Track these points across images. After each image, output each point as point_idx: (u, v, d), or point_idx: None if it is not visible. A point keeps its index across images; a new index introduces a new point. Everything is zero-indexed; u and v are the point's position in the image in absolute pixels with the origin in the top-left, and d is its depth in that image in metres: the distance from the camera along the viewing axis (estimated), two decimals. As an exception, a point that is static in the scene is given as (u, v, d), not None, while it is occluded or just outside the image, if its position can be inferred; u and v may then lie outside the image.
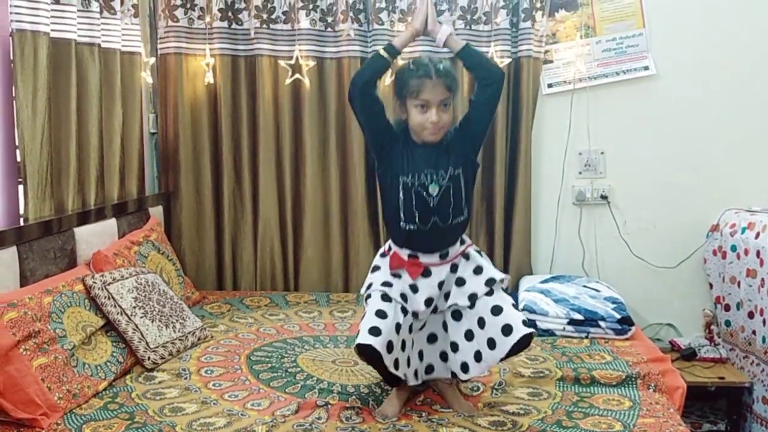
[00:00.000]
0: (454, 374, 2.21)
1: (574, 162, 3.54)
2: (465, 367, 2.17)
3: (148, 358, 2.42)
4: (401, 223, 2.16)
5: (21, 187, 2.55)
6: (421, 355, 2.22)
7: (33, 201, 2.54)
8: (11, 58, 2.48)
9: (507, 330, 2.07)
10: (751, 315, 3.08)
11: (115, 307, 2.43)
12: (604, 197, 3.53)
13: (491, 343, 2.09)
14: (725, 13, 3.42)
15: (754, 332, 3.07)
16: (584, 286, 3.17)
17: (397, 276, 2.17)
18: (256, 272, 3.56)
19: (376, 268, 2.22)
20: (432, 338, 2.23)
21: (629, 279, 3.49)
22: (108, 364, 2.31)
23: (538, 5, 3.39)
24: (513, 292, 3.36)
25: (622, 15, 3.47)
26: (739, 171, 3.47)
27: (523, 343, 2.07)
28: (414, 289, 2.16)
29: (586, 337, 2.82)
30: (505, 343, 2.06)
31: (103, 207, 2.93)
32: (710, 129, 3.47)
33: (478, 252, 2.26)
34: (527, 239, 3.53)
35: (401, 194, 2.15)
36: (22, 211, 2.55)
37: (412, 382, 2.18)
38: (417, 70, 2.12)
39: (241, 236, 3.56)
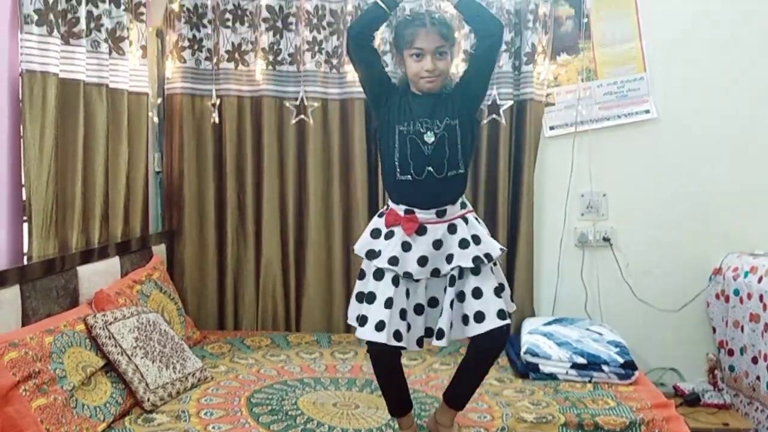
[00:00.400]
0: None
1: (576, 204, 3.55)
2: (440, 334, 2.14)
3: (148, 399, 2.40)
4: (397, 175, 2.19)
5: (26, 226, 2.55)
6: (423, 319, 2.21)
7: (37, 239, 2.55)
8: (20, 97, 2.52)
9: (479, 317, 2.10)
10: (755, 360, 3.06)
11: (115, 347, 2.42)
12: (606, 239, 3.54)
13: (464, 320, 2.14)
14: (726, 59, 3.46)
15: (758, 378, 3.04)
16: (587, 329, 3.15)
17: (391, 236, 2.18)
18: (258, 312, 3.55)
19: (375, 231, 2.24)
20: (433, 302, 2.22)
21: (632, 322, 3.47)
22: (107, 405, 2.30)
23: (540, 49, 3.44)
24: (515, 334, 3.35)
25: (623, 59, 3.51)
26: (742, 214, 3.48)
27: (495, 335, 2.10)
28: (407, 247, 2.15)
29: (590, 382, 2.80)
30: (473, 329, 2.11)
31: (106, 245, 2.93)
32: (712, 172, 3.49)
33: (477, 220, 2.26)
34: (530, 281, 3.52)
35: (397, 143, 2.18)
36: (26, 250, 2.56)
37: (413, 348, 2.19)
38: (412, 20, 2.21)
39: (243, 275, 3.56)
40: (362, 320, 2.15)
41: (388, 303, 2.11)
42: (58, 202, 2.65)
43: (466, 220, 2.21)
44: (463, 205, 2.24)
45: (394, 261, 2.13)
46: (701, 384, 3.33)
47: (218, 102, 3.51)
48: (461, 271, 2.15)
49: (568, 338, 3.00)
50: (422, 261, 2.14)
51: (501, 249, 2.20)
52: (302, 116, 3.49)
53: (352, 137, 3.48)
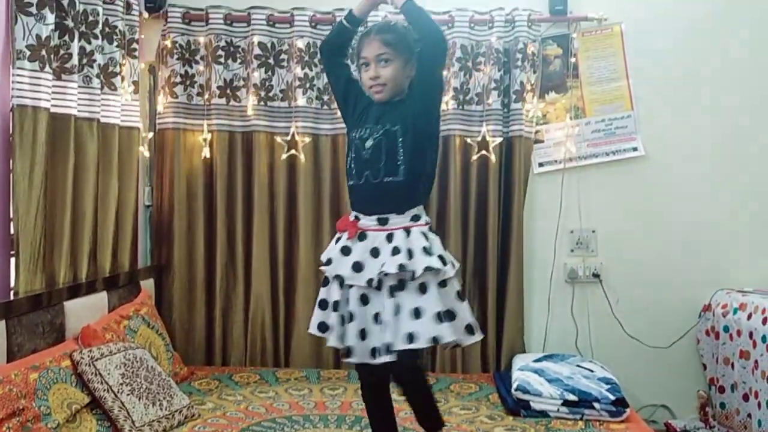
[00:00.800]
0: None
1: (565, 240, 3.57)
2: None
3: (134, 437, 2.36)
4: (348, 180, 2.28)
5: (13, 260, 2.53)
6: (363, 334, 2.17)
7: (24, 274, 2.52)
8: (11, 132, 2.51)
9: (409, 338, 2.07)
10: (746, 397, 3.05)
11: (101, 383, 2.39)
12: (596, 275, 3.54)
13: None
14: (713, 98, 3.53)
15: (749, 415, 3.03)
16: (578, 366, 3.14)
17: (338, 240, 2.25)
18: (246, 347, 3.51)
19: (336, 239, 2.30)
20: (377, 318, 2.18)
21: (623, 358, 3.46)
22: (92, 443, 2.26)
23: (529, 87, 3.48)
24: (506, 370, 3.34)
25: (610, 98, 3.56)
26: (731, 251, 3.50)
27: (400, 361, 2.08)
28: (346, 251, 2.19)
29: (581, 419, 2.77)
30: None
31: (94, 280, 2.91)
32: (701, 209, 3.52)
33: (426, 235, 2.17)
34: (520, 317, 3.51)
35: (348, 150, 2.28)
36: (13, 284, 2.53)
37: (364, 358, 2.17)
38: (363, 33, 2.31)
39: (232, 310, 3.54)
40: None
41: (322, 304, 2.25)
42: (47, 236, 2.64)
43: (408, 232, 2.16)
44: (415, 218, 2.19)
45: (328, 262, 2.21)
46: (693, 421, 3.31)
47: (209, 137, 3.52)
48: (401, 283, 2.12)
49: (559, 375, 2.98)
50: (357, 266, 2.15)
51: (428, 267, 2.08)
52: (293, 151, 3.51)
53: (343, 172, 3.50)
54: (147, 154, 3.53)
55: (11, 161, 2.52)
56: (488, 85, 3.47)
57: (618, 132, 3.56)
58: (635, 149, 3.55)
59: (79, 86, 2.84)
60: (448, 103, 3.49)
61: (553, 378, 2.95)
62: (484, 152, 3.47)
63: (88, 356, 2.43)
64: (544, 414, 2.81)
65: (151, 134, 3.55)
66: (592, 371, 3.06)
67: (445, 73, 3.47)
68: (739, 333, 3.11)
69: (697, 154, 3.53)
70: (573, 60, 3.55)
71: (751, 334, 3.01)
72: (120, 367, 2.50)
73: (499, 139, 3.47)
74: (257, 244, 3.51)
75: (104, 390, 2.38)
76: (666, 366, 3.50)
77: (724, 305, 3.27)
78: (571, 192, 3.55)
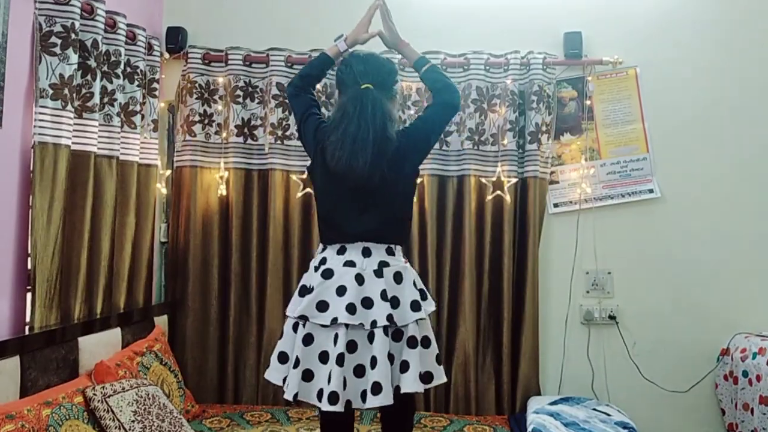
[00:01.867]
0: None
1: (581, 281, 3.54)
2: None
3: (144, 476, 2.34)
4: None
5: (29, 295, 2.55)
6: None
7: (40, 309, 2.54)
8: (31, 168, 2.55)
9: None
10: (767, 445, 2.99)
11: (113, 420, 2.38)
12: (612, 317, 3.51)
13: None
14: (729, 140, 3.52)
15: (771, 463, 2.96)
16: (594, 409, 3.09)
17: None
18: (258, 386, 3.49)
19: None
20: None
21: (640, 402, 3.41)
22: (102, 481, 2.24)
23: (544, 129, 3.50)
24: (521, 413, 3.29)
25: (626, 140, 3.57)
26: (749, 294, 3.46)
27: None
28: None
29: (597, 465, 2.72)
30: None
31: (108, 316, 2.92)
32: (718, 252, 3.49)
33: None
34: (535, 358, 3.48)
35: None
36: (28, 319, 2.54)
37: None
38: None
39: (245, 348, 3.53)
40: None
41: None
42: (63, 272, 2.66)
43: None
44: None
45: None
46: (712, 469, 3.24)
47: (226, 174, 3.55)
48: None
49: (575, 418, 2.94)
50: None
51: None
52: (308, 189, 3.53)
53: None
54: (164, 191, 3.56)
55: (31, 197, 2.55)
56: (503, 126, 3.49)
57: (633, 174, 3.56)
58: (651, 191, 3.54)
59: (100, 124, 2.89)
60: (463, 143, 3.51)
61: (569, 422, 2.90)
62: (499, 192, 3.48)
63: (101, 393, 2.43)
64: (559, 459, 2.76)
65: (168, 171, 3.59)
66: (609, 415, 3.02)
67: (460, 113, 3.50)
68: (758, 378, 3.05)
69: (714, 196, 3.51)
70: (588, 102, 3.57)
71: (771, 380, 2.95)
72: (132, 404, 2.49)
73: (514, 180, 3.48)
74: (271, 282, 3.51)
75: (116, 427, 2.37)
76: (684, 411, 3.43)
77: (743, 349, 3.22)
78: (586, 233, 3.54)
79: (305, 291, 2.16)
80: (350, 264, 2.10)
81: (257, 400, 3.48)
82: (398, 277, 2.10)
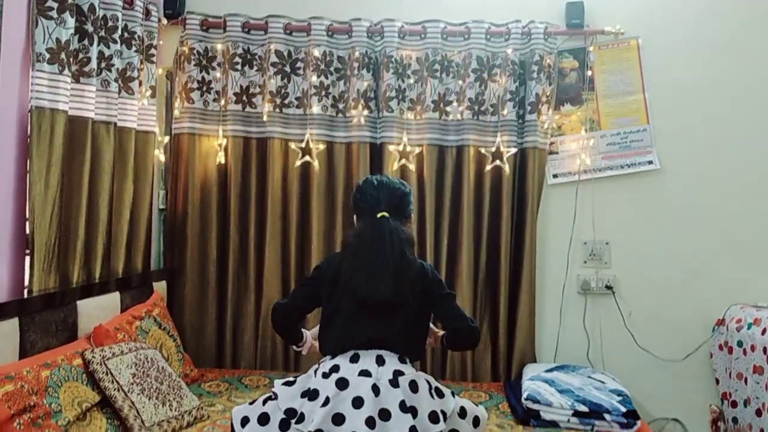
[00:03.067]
0: None
1: (579, 251, 3.55)
2: None
3: (143, 437, 2.37)
4: None
5: (27, 259, 2.56)
6: None
7: (38, 273, 2.55)
8: (28, 133, 2.55)
9: None
10: (758, 413, 3.02)
11: (112, 382, 2.40)
12: (609, 287, 3.52)
13: None
14: (730, 112, 3.50)
15: (762, 430, 2.99)
16: (589, 377, 3.12)
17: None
18: (257, 351, 3.52)
19: None
20: None
21: (634, 371, 3.44)
22: (101, 441, 2.27)
23: (544, 99, 3.48)
24: (517, 380, 3.32)
25: (626, 111, 3.56)
26: (745, 266, 3.47)
27: None
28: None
29: (591, 430, 2.75)
30: None
31: (107, 281, 2.94)
32: (716, 223, 3.49)
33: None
34: (531, 326, 3.50)
35: None
36: (27, 283, 2.56)
37: None
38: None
39: (243, 315, 3.55)
40: None
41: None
42: (61, 236, 2.66)
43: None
44: None
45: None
46: (705, 436, 3.28)
47: (224, 142, 3.55)
48: None
49: (570, 385, 2.96)
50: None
51: None
52: (307, 158, 3.52)
53: (357, 180, 3.50)
54: (162, 158, 3.56)
55: (28, 162, 2.55)
56: (503, 96, 3.47)
57: (633, 145, 3.55)
58: (650, 162, 3.53)
59: (97, 90, 2.88)
60: (462, 113, 3.50)
61: (563, 388, 2.93)
62: (498, 162, 3.47)
63: (100, 355, 2.45)
64: (554, 424, 2.79)
65: (167, 139, 3.58)
66: (603, 383, 3.04)
67: (460, 83, 3.48)
68: (753, 348, 3.07)
69: (713, 168, 3.51)
70: (589, 73, 3.54)
71: (765, 350, 2.97)
72: (131, 367, 2.51)
73: (513, 150, 3.48)
74: (269, 249, 3.52)
75: (115, 389, 2.40)
76: (678, 380, 3.46)
77: (738, 320, 3.24)
78: (585, 204, 3.54)
79: (312, 396, 2.02)
80: (365, 374, 2.02)
81: (255, 365, 3.51)
82: (414, 386, 2.04)
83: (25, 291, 2.55)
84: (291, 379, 2.13)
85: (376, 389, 1.98)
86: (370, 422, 1.93)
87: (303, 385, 2.06)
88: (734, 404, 3.23)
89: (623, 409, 2.78)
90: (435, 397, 2.06)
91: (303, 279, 2.31)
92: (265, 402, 2.09)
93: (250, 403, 2.13)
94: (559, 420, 2.79)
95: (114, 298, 2.94)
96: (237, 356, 3.54)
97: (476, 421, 2.17)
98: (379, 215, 2.13)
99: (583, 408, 2.79)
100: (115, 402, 2.38)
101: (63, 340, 2.55)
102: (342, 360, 2.06)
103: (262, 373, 3.38)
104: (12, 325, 2.28)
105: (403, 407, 1.96)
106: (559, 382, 3.00)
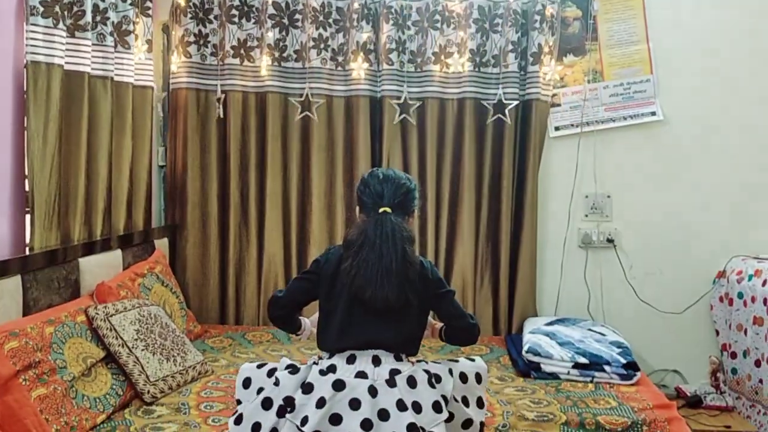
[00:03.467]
0: None
1: (580, 205, 3.54)
2: None
3: (148, 391, 2.40)
4: None
5: (28, 217, 2.55)
6: None
7: (39, 230, 2.54)
8: (25, 89, 2.51)
9: None
10: (758, 363, 3.05)
11: (116, 338, 2.42)
12: (610, 240, 3.52)
13: None
14: (733, 63, 3.46)
15: (761, 381, 3.02)
16: (589, 330, 3.14)
17: None
18: (259, 307, 3.54)
19: None
20: None
21: (635, 323, 3.46)
22: (107, 396, 2.29)
23: (546, 50, 3.43)
24: (517, 334, 3.35)
25: (629, 61, 3.50)
26: (747, 218, 3.47)
27: None
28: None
29: (591, 382, 2.78)
30: None
31: (108, 238, 2.93)
32: (718, 176, 3.48)
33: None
34: (532, 281, 3.51)
35: None
36: (28, 240, 2.55)
37: None
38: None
39: (245, 271, 3.56)
40: None
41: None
42: (61, 193, 2.65)
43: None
44: None
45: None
46: (703, 386, 3.31)
47: (223, 97, 3.50)
48: None
49: (570, 338, 2.98)
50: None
51: None
52: (307, 113, 3.49)
53: (357, 134, 3.48)
54: (161, 113, 3.52)
55: (25, 118, 2.52)
56: (505, 48, 3.42)
57: (636, 96, 3.51)
58: (653, 114, 3.50)
59: (93, 44, 2.83)
60: (464, 65, 3.45)
61: (564, 341, 2.95)
62: (499, 115, 3.44)
63: (103, 312, 2.46)
64: (554, 376, 2.82)
65: (164, 94, 3.54)
66: (603, 335, 3.07)
67: (461, 34, 3.43)
68: (753, 299, 3.09)
69: (716, 120, 3.48)
70: (592, 22, 3.48)
71: (765, 301, 2.99)
72: (134, 323, 2.53)
73: (515, 102, 3.44)
74: (270, 205, 3.51)
75: (119, 345, 2.41)
76: (678, 332, 3.49)
77: (739, 271, 3.25)
78: (587, 156, 3.52)
79: (306, 389, 2.02)
80: (362, 375, 2.03)
81: (258, 322, 3.53)
82: (412, 382, 2.04)
83: (27, 248, 2.54)
84: (296, 365, 2.12)
85: (373, 390, 2.00)
86: (366, 424, 1.95)
87: (303, 376, 2.08)
88: (733, 355, 3.26)
89: (623, 361, 2.80)
90: (435, 385, 2.07)
91: (301, 273, 2.28)
92: (270, 374, 2.11)
93: (258, 366, 2.15)
94: (559, 372, 2.82)
95: (116, 255, 2.94)
96: (240, 312, 3.56)
97: (479, 378, 2.20)
98: (381, 210, 2.11)
99: (584, 360, 2.81)
100: (120, 358, 2.40)
101: (66, 297, 2.56)
102: (339, 360, 2.08)
103: (265, 329, 3.40)
104: (15, 282, 2.28)
105: (401, 406, 1.98)
106: (559, 335, 3.02)
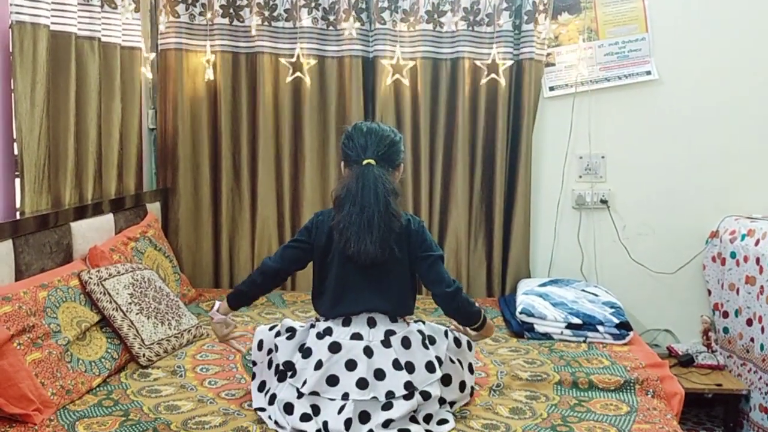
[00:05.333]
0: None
1: (574, 166, 3.53)
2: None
3: (143, 354, 2.40)
4: None
5: (18, 181, 2.52)
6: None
7: (30, 194, 2.52)
8: (10, 49, 2.46)
9: None
10: (749, 322, 3.07)
11: (110, 302, 2.41)
12: (603, 201, 3.52)
13: None
14: (729, 21, 3.42)
15: (752, 339, 3.06)
16: (583, 291, 3.16)
17: None
18: (253, 270, 3.52)
19: None
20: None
21: (628, 284, 3.48)
22: (102, 360, 2.29)
23: (541, 8, 3.38)
24: (511, 295, 3.36)
25: (625, 19, 3.46)
26: (740, 178, 3.46)
27: None
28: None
29: (584, 342, 2.80)
30: None
31: (100, 202, 2.91)
32: (712, 135, 3.46)
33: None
34: (526, 242, 3.51)
35: None
36: (18, 205, 2.53)
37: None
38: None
39: (238, 234, 3.55)
40: None
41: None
42: (51, 157, 2.61)
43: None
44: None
45: None
46: (695, 345, 3.35)
47: (213, 58, 3.45)
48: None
49: (563, 299, 3.00)
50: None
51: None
52: (298, 74, 3.44)
53: (349, 95, 3.44)
54: (150, 75, 3.47)
55: (12, 80, 2.47)
56: (499, 6, 3.37)
57: (631, 55, 3.47)
58: (648, 73, 3.46)
59: (79, 3, 2.76)
60: (457, 24, 3.40)
61: (557, 302, 2.97)
62: (493, 75, 3.40)
63: (97, 276, 2.45)
64: (547, 336, 2.84)
65: (153, 55, 3.48)
66: (596, 295, 3.08)
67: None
68: (746, 259, 3.10)
69: (711, 79, 3.45)
70: (587, -21, 3.43)
71: (758, 260, 3.00)
72: (128, 287, 2.52)
73: (509, 62, 3.40)
74: (262, 168, 3.48)
75: (113, 309, 2.41)
76: (671, 291, 3.51)
77: (732, 231, 3.26)
78: (581, 117, 3.49)
79: (305, 353, 2.04)
80: (357, 337, 2.04)
81: (252, 285, 3.53)
82: (407, 343, 2.06)
83: (17, 213, 2.52)
84: (295, 326, 2.14)
85: (368, 351, 2.01)
86: (361, 383, 1.97)
87: (300, 339, 2.09)
88: (725, 314, 3.29)
89: (616, 321, 2.82)
90: (429, 346, 2.09)
91: (291, 241, 2.25)
92: (277, 335, 2.15)
93: (269, 329, 2.20)
94: (552, 332, 2.84)
95: (108, 219, 2.92)
96: (234, 276, 3.56)
97: (470, 345, 2.23)
98: (364, 162, 2.07)
99: (577, 320, 2.83)
100: (114, 322, 2.39)
101: (59, 261, 2.54)
102: (334, 323, 2.09)
103: (259, 290, 3.39)
104: (6, 246, 2.26)
105: (397, 365, 2.00)
106: (552, 296, 3.03)
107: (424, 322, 2.18)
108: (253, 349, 2.20)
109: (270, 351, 2.14)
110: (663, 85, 3.46)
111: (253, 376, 2.19)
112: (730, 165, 3.47)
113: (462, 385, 2.16)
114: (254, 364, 2.20)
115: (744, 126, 3.45)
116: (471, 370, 2.22)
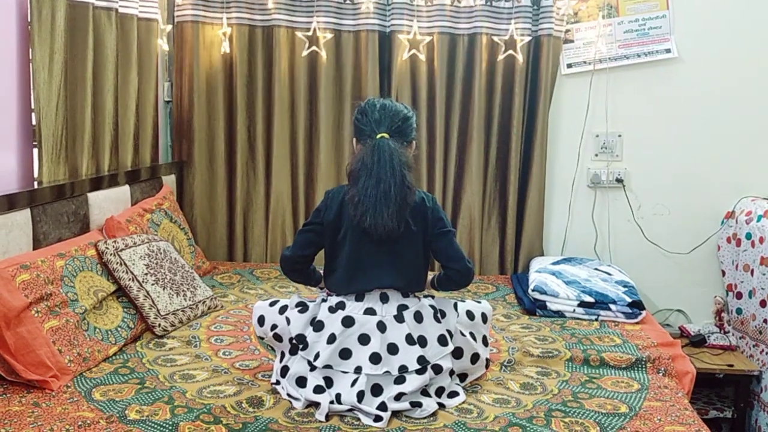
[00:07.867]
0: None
1: (590, 144, 3.51)
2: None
3: (159, 324, 2.43)
4: None
5: (36, 151, 2.54)
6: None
7: (47, 164, 2.54)
8: (29, 19, 2.47)
9: None
10: (763, 303, 3.06)
11: (126, 273, 2.44)
12: (619, 180, 3.50)
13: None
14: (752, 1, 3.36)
15: (765, 321, 3.05)
16: (596, 269, 3.15)
17: None
18: (267, 244, 3.56)
19: None
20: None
21: (641, 263, 3.47)
22: (119, 329, 2.32)
23: (561, -17, 3.34)
24: (524, 272, 3.37)
25: (645, -4, 3.42)
26: (757, 159, 3.43)
27: None
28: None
29: (596, 320, 2.81)
30: None
31: (116, 173, 2.93)
32: (730, 115, 3.43)
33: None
34: (540, 220, 3.51)
35: None
36: (36, 174, 2.55)
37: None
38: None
39: (253, 208, 3.56)
40: None
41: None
42: (68, 127, 2.63)
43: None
44: None
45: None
46: (707, 326, 3.34)
47: (229, 31, 3.44)
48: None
49: (576, 277, 3.00)
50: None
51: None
52: (314, 48, 3.43)
53: (365, 70, 3.42)
54: (166, 47, 3.46)
55: (30, 50, 2.48)
56: (518, -19, 3.33)
57: (651, 33, 3.43)
58: (668, 51, 3.42)
59: (96, -27, 2.76)
60: (475, -1, 3.37)
61: (570, 280, 2.97)
62: (511, 52, 3.37)
63: (113, 246, 2.47)
64: (559, 314, 2.84)
65: (169, 27, 3.47)
66: (609, 274, 3.08)
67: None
68: (761, 240, 3.08)
69: (731, 59, 3.40)
70: (608, -46, 3.38)
71: (773, 242, 2.99)
72: (144, 258, 2.54)
73: (527, 38, 3.37)
74: (277, 142, 3.49)
75: (129, 279, 2.43)
76: (684, 272, 3.50)
77: (748, 212, 3.24)
78: (599, 95, 3.46)
79: (317, 327, 2.05)
80: (370, 312, 2.05)
81: (266, 258, 3.56)
82: (419, 317, 2.07)
83: (35, 182, 2.54)
84: (306, 302, 2.15)
85: (381, 326, 2.03)
86: (374, 358, 1.98)
87: (313, 313, 2.10)
88: (739, 295, 3.27)
89: (628, 300, 2.82)
90: (440, 320, 2.10)
91: (304, 225, 2.25)
92: (282, 311, 2.14)
93: (271, 305, 2.18)
94: (564, 310, 2.84)
95: (124, 191, 2.94)
96: (248, 249, 3.58)
97: (484, 318, 2.24)
98: (378, 136, 2.07)
99: (589, 299, 2.83)
100: (130, 292, 2.42)
101: (76, 231, 2.57)
102: (347, 298, 2.10)
103: (273, 266, 3.42)
104: (24, 215, 2.29)
105: (410, 340, 2.02)
106: (565, 274, 3.03)
107: (433, 297, 2.19)
108: (254, 325, 2.21)
109: (274, 326, 2.13)
110: (682, 64, 3.42)
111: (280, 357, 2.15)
112: (748, 146, 3.43)
113: (474, 358, 2.17)
114: (261, 339, 2.20)
115: (763, 107, 3.41)
116: (485, 342, 2.23)
